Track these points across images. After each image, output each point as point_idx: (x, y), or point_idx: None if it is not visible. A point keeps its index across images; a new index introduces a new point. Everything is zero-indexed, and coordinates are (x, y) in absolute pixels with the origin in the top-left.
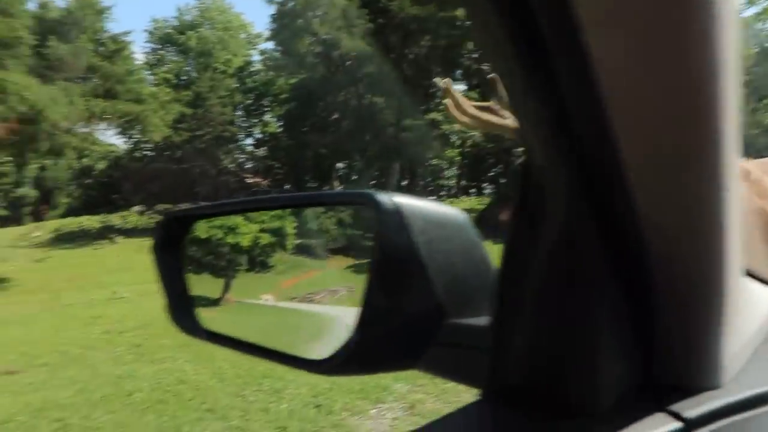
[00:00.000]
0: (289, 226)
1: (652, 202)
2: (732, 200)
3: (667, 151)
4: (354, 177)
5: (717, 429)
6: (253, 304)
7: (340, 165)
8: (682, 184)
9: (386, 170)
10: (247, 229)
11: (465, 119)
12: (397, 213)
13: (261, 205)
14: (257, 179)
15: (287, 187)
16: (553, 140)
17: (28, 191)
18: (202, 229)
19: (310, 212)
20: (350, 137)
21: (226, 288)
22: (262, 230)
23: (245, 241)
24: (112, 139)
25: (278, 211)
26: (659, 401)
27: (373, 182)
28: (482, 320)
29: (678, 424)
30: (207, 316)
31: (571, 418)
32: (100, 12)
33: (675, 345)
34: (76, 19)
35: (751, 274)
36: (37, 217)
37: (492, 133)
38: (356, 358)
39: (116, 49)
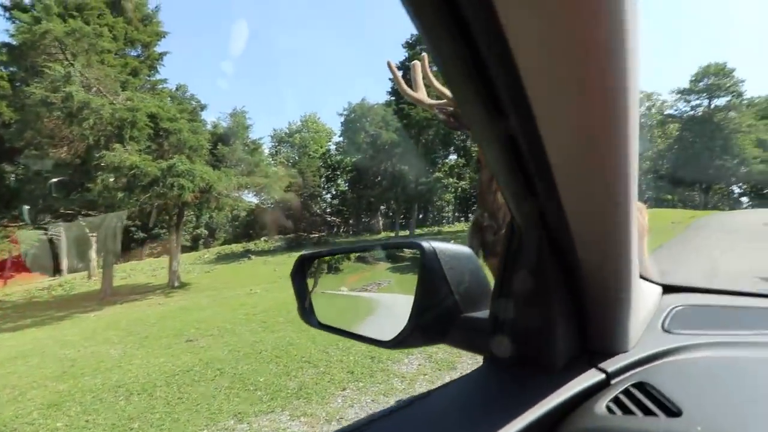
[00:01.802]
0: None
1: (577, 220)
2: (631, 217)
3: (584, 174)
4: (390, 214)
5: (626, 377)
6: (335, 293)
7: (382, 207)
8: (596, 205)
9: (410, 209)
10: None
11: (415, 95)
12: (433, 252)
13: (352, 249)
14: (333, 218)
15: (351, 221)
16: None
17: (202, 230)
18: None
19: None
20: (387, 190)
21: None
22: None
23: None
24: (251, 198)
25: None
26: (591, 362)
27: (402, 216)
28: (482, 313)
29: (602, 376)
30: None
31: (539, 374)
32: (246, 128)
33: (600, 324)
34: (234, 131)
35: (641, 276)
36: (207, 245)
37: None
38: (409, 338)
39: (254, 147)
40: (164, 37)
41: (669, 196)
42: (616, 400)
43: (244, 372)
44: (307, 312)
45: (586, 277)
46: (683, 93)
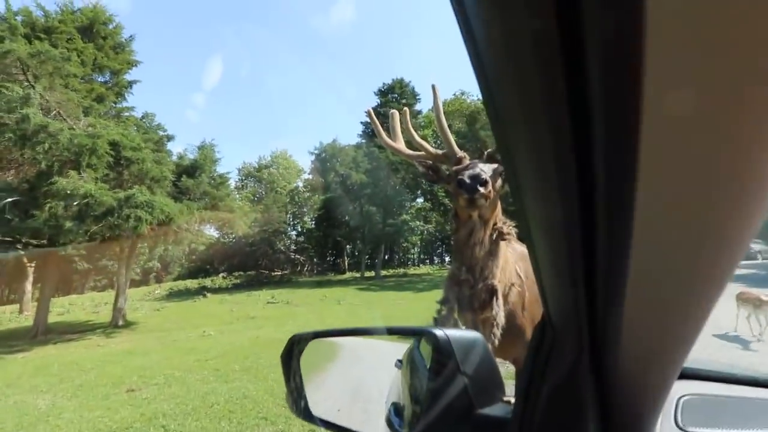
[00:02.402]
0: None
1: (637, 326)
2: (703, 323)
3: (674, 268)
4: (356, 254)
5: None
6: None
7: (348, 247)
8: (676, 308)
9: (376, 250)
10: None
11: (394, 145)
12: (447, 341)
13: (354, 332)
14: (297, 256)
15: (316, 260)
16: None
17: (155, 263)
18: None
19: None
20: (355, 230)
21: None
22: None
23: None
24: (212, 232)
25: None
26: None
27: (368, 256)
28: (497, 409)
29: None
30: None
31: None
32: (214, 161)
33: (625, 422)
34: (200, 164)
35: None
36: (158, 280)
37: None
38: None
39: (221, 181)
40: (136, 65)
41: None
42: None
43: (192, 430)
44: (298, 402)
45: (622, 392)
46: None
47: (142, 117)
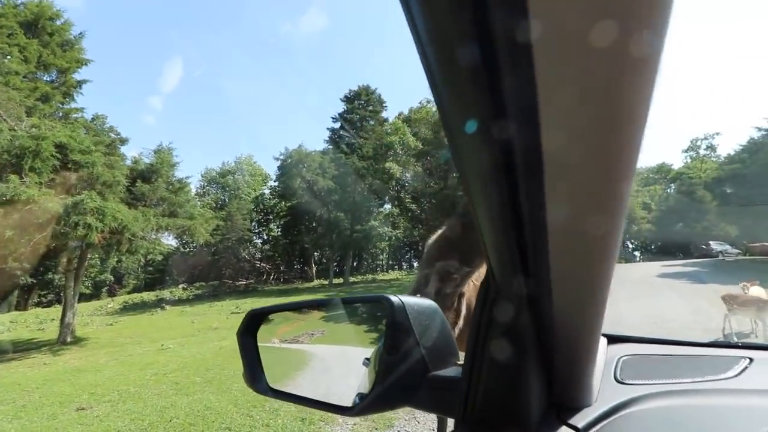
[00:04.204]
0: None
1: (562, 279)
2: (612, 275)
3: (580, 232)
4: (324, 261)
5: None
6: (265, 346)
7: (316, 254)
8: (586, 263)
9: (344, 256)
10: None
11: None
12: (402, 307)
13: (309, 304)
14: (263, 264)
15: (282, 268)
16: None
17: (107, 276)
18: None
19: None
20: (322, 237)
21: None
22: None
23: None
24: (171, 241)
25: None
26: (560, 417)
27: (336, 263)
28: (450, 371)
29: None
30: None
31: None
32: (172, 165)
33: (567, 379)
34: (157, 168)
35: None
36: (112, 293)
37: None
38: (376, 402)
39: (179, 186)
40: (86, 64)
41: None
42: None
43: None
44: (255, 377)
45: (558, 336)
46: None
47: (93, 119)
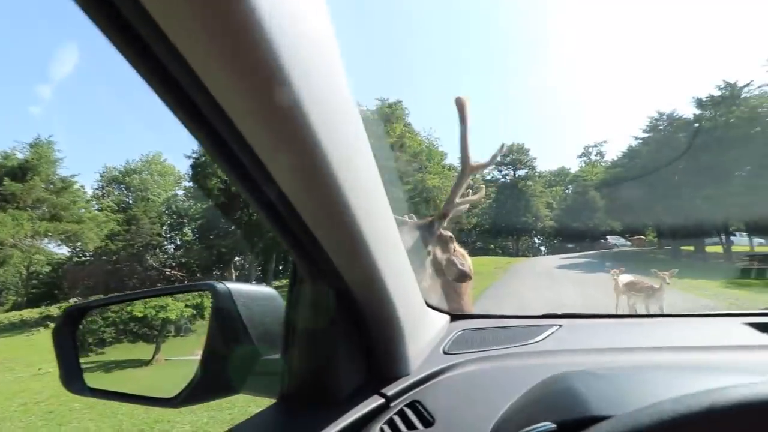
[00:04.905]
0: (207, 301)
1: (344, 264)
2: (396, 257)
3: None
4: (247, 266)
5: (404, 399)
6: (181, 360)
7: (237, 259)
8: (357, 251)
9: (268, 260)
10: (174, 306)
11: None
12: (228, 293)
13: (135, 296)
14: (175, 272)
15: (198, 275)
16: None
17: None
18: (138, 308)
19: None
20: (243, 240)
21: (157, 350)
22: (186, 306)
23: (172, 315)
24: (59, 249)
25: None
26: (375, 389)
27: (259, 268)
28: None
29: (382, 401)
30: (125, 376)
31: (325, 407)
32: (53, 161)
33: (383, 354)
34: (32, 165)
35: (429, 305)
36: None
37: None
38: (198, 391)
39: (63, 186)
40: None
41: (492, 246)
42: (390, 421)
43: None
44: (71, 377)
45: (367, 315)
46: (496, 164)
47: None
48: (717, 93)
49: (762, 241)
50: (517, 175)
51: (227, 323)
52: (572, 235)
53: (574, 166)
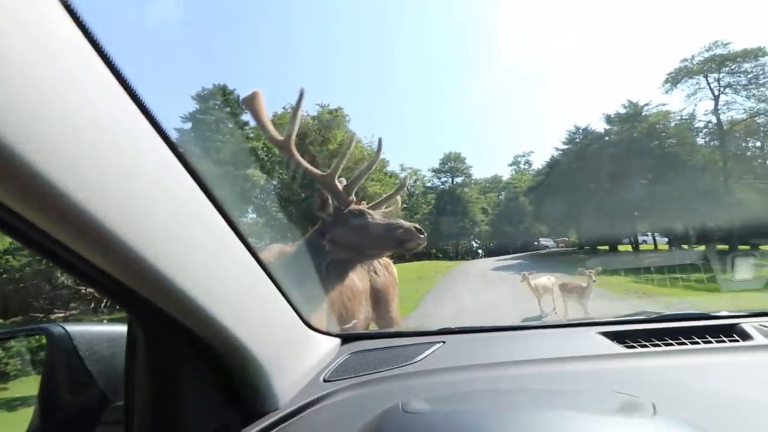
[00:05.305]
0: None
1: (173, 304)
2: (255, 295)
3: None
4: None
5: None
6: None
7: None
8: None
9: None
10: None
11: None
12: (66, 336)
13: None
14: (91, 290)
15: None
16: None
17: None
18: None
19: None
20: None
21: None
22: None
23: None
24: None
25: None
26: (239, 428)
27: None
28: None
29: None
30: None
31: None
32: None
33: (248, 391)
34: None
35: (316, 329)
36: None
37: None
38: None
39: None
40: None
41: (434, 250)
42: None
43: None
44: None
45: (222, 357)
46: (435, 171)
47: None
48: (623, 111)
49: (665, 240)
50: (454, 182)
51: (66, 369)
52: (506, 239)
53: (506, 173)
